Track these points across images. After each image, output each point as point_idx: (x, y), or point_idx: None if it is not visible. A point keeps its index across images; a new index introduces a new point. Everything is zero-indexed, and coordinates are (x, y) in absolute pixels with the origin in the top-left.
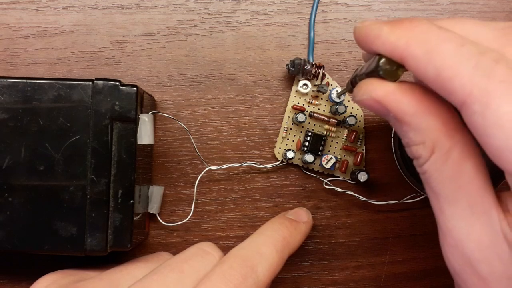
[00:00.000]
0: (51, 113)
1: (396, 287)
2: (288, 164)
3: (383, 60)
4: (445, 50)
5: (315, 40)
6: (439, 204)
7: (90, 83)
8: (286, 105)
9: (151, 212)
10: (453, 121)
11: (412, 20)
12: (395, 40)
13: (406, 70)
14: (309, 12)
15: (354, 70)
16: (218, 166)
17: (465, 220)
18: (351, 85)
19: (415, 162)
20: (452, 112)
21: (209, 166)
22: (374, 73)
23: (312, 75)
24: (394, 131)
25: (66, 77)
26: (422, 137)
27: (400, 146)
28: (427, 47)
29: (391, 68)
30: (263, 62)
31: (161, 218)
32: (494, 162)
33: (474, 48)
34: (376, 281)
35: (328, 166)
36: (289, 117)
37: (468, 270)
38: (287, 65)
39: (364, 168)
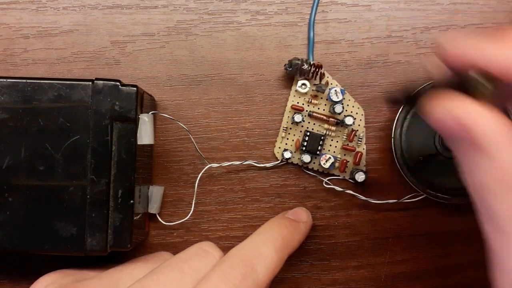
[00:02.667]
0: (51, 113)
1: (396, 287)
2: (288, 163)
3: (481, 78)
4: None
5: (315, 40)
6: (499, 239)
7: (90, 83)
8: (286, 105)
9: (151, 212)
10: None
11: (501, 31)
12: (504, 58)
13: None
14: (309, 12)
15: (404, 85)
16: (219, 164)
17: None
18: (414, 99)
19: (476, 194)
20: None
21: (209, 164)
22: (459, 88)
23: (310, 75)
24: (395, 131)
25: (66, 77)
26: (498, 169)
27: (400, 146)
28: None
29: (490, 87)
30: (263, 62)
31: (161, 218)
32: None
33: None
34: (376, 281)
35: (327, 166)
36: (288, 117)
37: None
38: (285, 65)
39: (362, 169)
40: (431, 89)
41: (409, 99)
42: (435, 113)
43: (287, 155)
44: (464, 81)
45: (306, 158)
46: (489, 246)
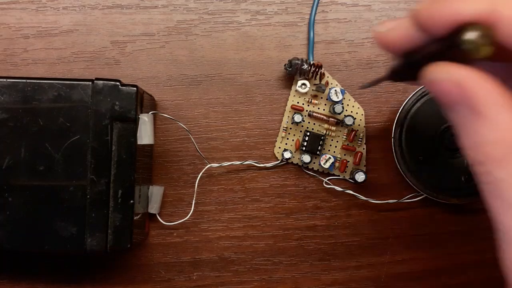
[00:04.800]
0: (51, 113)
1: (396, 287)
2: (288, 163)
3: (470, 32)
4: None
5: (315, 40)
6: (509, 214)
7: (90, 83)
8: (286, 105)
9: (151, 212)
10: None
11: None
12: (474, 7)
13: (493, 46)
14: (309, 12)
15: (393, 60)
16: (219, 164)
17: None
18: (407, 70)
19: (480, 168)
20: None
21: (209, 164)
22: (449, 51)
23: (310, 75)
24: (395, 131)
25: (66, 77)
26: (502, 133)
27: (400, 146)
28: None
29: (481, 40)
30: (263, 62)
31: (161, 218)
32: None
33: None
34: (376, 281)
35: (327, 166)
36: (288, 116)
37: None
38: (285, 65)
39: (361, 169)
40: (417, 61)
41: (397, 75)
42: (434, 78)
43: (287, 155)
44: (454, 44)
45: (306, 158)
46: (497, 223)
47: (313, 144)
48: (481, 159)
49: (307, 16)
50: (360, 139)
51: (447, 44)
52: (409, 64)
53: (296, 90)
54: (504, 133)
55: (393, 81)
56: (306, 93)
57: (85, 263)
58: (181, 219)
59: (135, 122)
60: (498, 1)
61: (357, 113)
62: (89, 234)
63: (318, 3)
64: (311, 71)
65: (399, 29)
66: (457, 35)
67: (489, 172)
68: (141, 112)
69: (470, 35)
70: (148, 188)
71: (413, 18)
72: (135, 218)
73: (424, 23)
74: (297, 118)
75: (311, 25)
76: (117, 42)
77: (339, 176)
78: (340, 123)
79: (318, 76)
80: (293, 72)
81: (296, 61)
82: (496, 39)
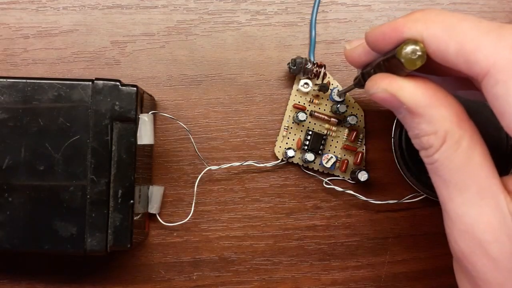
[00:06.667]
0: (51, 113)
1: (396, 287)
2: (288, 163)
3: (406, 47)
4: (464, 26)
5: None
6: (449, 191)
7: (90, 83)
8: (286, 105)
9: (151, 212)
10: (462, 112)
11: (422, 9)
12: (412, 25)
13: (424, 61)
14: (309, 12)
15: (358, 70)
16: (218, 166)
17: (475, 206)
18: (362, 80)
19: (423, 153)
20: (460, 104)
21: (209, 166)
22: (389, 64)
23: (313, 74)
24: (395, 131)
25: (66, 77)
26: (435, 127)
27: (400, 146)
28: (446, 25)
29: (412, 56)
30: (263, 62)
31: (161, 218)
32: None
33: (492, 23)
34: (376, 281)
35: (328, 165)
36: (289, 116)
37: (478, 252)
38: (288, 63)
39: (364, 168)
40: (368, 73)
41: (358, 83)
42: (373, 92)
43: (291, 153)
44: (391, 58)
45: (310, 156)
46: (441, 200)
47: (316, 143)
48: (422, 146)
49: (307, 16)
50: (360, 139)
51: (386, 58)
52: (363, 75)
53: (298, 89)
54: (434, 125)
55: (359, 88)
56: (307, 92)
57: (85, 263)
58: (181, 219)
59: (135, 122)
60: (427, 20)
61: (357, 113)
62: (89, 234)
63: (319, 2)
64: (314, 70)
65: (359, 47)
66: (393, 50)
67: (428, 156)
68: (141, 112)
69: (402, 50)
70: (148, 188)
71: (366, 37)
72: (135, 218)
73: (370, 42)
74: (301, 116)
75: (312, 24)
76: (117, 42)
77: (339, 176)
78: (341, 123)
79: (320, 76)
80: (296, 71)
81: (300, 60)
82: (427, 54)
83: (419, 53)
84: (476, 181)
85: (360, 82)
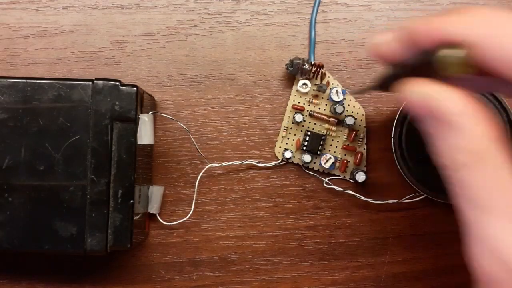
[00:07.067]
0: (51, 113)
1: (396, 287)
2: (288, 163)
3: (444, 51)
4: None
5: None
6: (476, 213)
7: (90, 83)
8: (286, 105)
9: (151, 212)
10: (496, 127)
11: (462, 7)
12: (453, 28)
13: (471, 64)
14: (309, 12)
15: (377, 72)
16: (219, 164)
17: (505, 229)
18: (391, 81)
19: (450, 170)
20: (494, 118)
21: (210, 163)
22: (425, 65)
23: (311, 75)
24: (395, 131)
25: (66, 77)
26: (473, 144)
27: (400, 146)
28: (494, 27)
29: (457, 59)
30: (263, 62)
31: (161, 218)
32: None
33: None
34: (376, 281)
35: (327, 166)
36: (289, 116)
37: (505, 276)
38: (286, 64)
39: (362, 169)
40: (400, 74)
41: (383, 85)
42: (406, 96)
43: (288, 154)
44: (431, 60)
45: (307, 158)
46: (464, 220)
47: (314, 143)
48: (447, 163)
49: (307, 16)
50: (360, 139)
51: (423, 61)
52: (394, 75)
53: (297, 90)
54: (473, 142)
55: (381, 90)
56: (307, 93)
57: (85, 263)
58: (181, 219)
59: (135, 122)
60: (479, 26)
61: (357, 113)
62: (89, 234)
63: (319, 2)
64: (312, 71)
65: (392, 42)
66: (432, 53)
67: (456, 174)
68: (141, 112)
69: (442, 54)
70: (148, 188)
71: (404, 32)
72: (135, 218)
73: (412, 38)
74: (298, 117)
75: (312, 24)
76: (117, 42)
77: (339, 176)
78: (340, 123)
79: (319, 76)
80: (294, 71)
81: (298, 61)
82: (472, 61)
83: (467, 60)
84: (506, 202)
85: (386, 83)
